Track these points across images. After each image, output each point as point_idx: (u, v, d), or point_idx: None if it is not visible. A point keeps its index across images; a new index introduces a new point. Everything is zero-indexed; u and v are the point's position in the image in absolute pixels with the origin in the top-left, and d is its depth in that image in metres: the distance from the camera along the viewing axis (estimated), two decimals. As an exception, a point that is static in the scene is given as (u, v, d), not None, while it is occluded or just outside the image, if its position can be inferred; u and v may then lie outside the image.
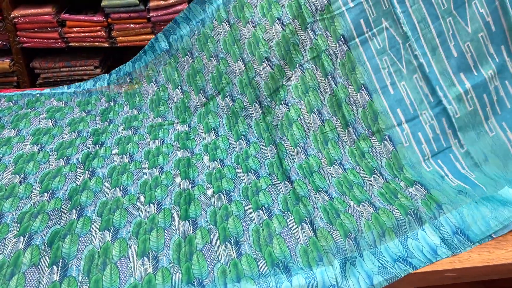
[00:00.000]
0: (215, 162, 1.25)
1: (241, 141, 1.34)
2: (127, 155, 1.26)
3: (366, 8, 1.29)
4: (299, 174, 1.18)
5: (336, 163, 1.22)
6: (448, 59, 1.26)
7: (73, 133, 1.35)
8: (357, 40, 1.30)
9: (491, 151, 1.19)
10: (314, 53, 1.31)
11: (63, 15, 2.20)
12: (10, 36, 2.23)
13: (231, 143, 1.34)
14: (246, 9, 1.39)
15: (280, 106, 1.33)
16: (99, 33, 2.24)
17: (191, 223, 1.00)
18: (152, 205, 1.05)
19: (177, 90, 1.49)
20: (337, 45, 1.30)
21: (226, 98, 1.41)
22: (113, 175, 1.16)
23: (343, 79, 1.29)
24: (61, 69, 2.31)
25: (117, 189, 1.11)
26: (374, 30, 1.29)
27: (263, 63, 1.35)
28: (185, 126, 1.42)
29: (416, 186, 1.12)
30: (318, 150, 1.25)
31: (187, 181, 1.16)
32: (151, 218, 1.01)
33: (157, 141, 1.34)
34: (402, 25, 1.28)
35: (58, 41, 2.25)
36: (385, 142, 1.24)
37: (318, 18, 1.31)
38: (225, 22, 1.42)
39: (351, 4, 1.29)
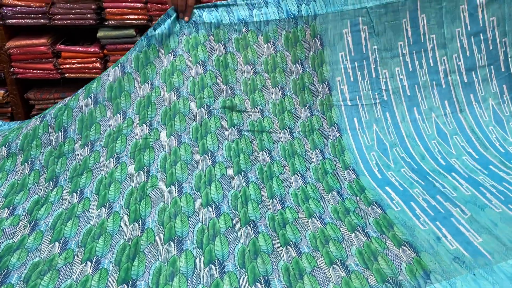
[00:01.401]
0: (173, 189, 1.20)
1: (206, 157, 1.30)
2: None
3: (361, 111, 1.41)
4: (268, 226, 1.09)
5: (316, 217, 1.14)
6: (439, 166, 1.33)
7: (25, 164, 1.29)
8: (349, 132, 1.40)
9: (501, 220, 1.07)
10: (307, 128, 1.36)
11: (58, 46, 2.16)
12: (5, 66, 2.19)
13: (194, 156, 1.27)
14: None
15: (264, 152, 1.30)
16: (94, 64, 2.18)
17: None
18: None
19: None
20: (331, 129, 1.39)
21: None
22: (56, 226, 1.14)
23: (332, 157, 1.33)
24: (56, 100, 2.25)
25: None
26: (365, 130, 1.40)
27: (255, 108, 1.35)
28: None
29: (404, 247, 0.99)
30: (297, 204, 1.19)
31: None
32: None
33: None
34: (391, 134, 1.40)
35: (53, 72, 2.20)
36: (373, 206, 1.19)
37: (317, 102, 1.40)
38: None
39: (349, 103, 1.41)
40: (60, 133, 1.26)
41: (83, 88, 1.32)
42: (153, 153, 1.24)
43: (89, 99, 1.29)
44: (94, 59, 2.18)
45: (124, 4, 2.08)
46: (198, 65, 1.34)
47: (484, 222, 1.07)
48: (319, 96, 1.40)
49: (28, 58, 2.17)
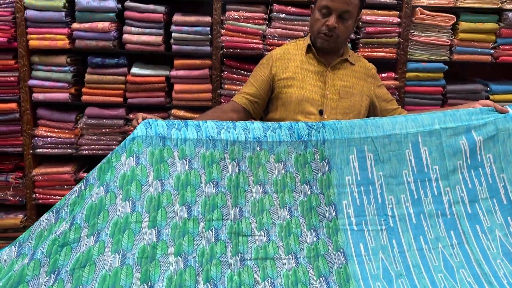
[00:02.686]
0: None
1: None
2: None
3: (367, 236, 1.40)
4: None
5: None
6: None
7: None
8: (355, 258, 1.37)
9: None
10: (312, 253, 1.35)
11: (81, 174, 2.26)
12: (27, 192, 2.28)
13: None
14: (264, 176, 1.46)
15: (266, 283, 1.29)
16: (113, 191, 2.25)
17: None
18: None
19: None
20: (337, 254, 1.37)
21: None
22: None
23: (336, 285, 1.31)
24: (71, 226, 2.28)
25: None
26: (371, 257, 1.38)
27: (261, 231, 1.36)
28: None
29: None
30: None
31: None
32: None
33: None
34: (397, 263, 1.38)
35: (73, 198, 2.26)
36: None
37: (324, 224, 1.40)
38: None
39: (355, 227, 1.41)
40: (68, 222, 1.22)
41: (96, 177, 1.28)
42: (159, 268, 1.22)
43: (101, 187, 1.27)
44: (114, 186, 2.25)
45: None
46: (212, 184, 1.38)
47: None
48: (325, 219, 1.41)
49: (51, 185, 2.27)
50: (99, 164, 1.29)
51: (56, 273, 1.15)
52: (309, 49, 1.66)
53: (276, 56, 1.68)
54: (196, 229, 1.31)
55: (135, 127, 1.36)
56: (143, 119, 1.37)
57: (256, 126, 1.47)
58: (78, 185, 1.27)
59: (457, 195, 1.47)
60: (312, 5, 1.64)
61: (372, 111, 1.72)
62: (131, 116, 2.23)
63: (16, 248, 1.19)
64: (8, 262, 1.17)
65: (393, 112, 1.72)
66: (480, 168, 1.51)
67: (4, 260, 1.16)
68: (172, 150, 1.37)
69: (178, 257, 1.25)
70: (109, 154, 1.31)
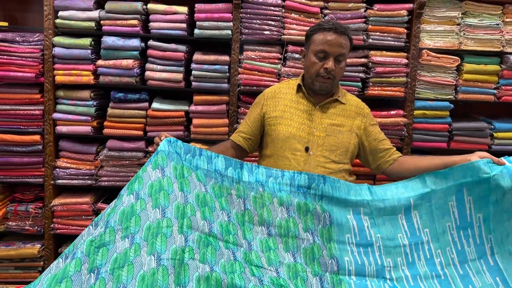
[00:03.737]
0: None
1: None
2: None
3: None
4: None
5: None
6: None
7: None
8: None
9: None
10: None
11: (99, 205, 2.31)
12: (46, 222, 2.32)
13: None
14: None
15: None
16: (130, 222, 2.30)
17: None
18: None
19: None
20: None
21: None
22: None
23: None
24: (88, 256, 2.31)
25: None
26: None
27: (271, 266, 1.39)
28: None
29: None
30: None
31: None
32: None
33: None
34: None
35: (90, 229, 2.31)
36: None
37: (327, 275, 1.43)
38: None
39: (357, 282, 1.43)
40: (103, 226, 1.29)
41: (126, 188, 1.35)
42: (188, 271, 1.26)
43: (131, 195, 1.33)
44: (131, 217, 2.30)
45: (165, 169, 2.29)
46: (224, 212, 1.44)
47: None
48: (328, 271, 1.44)
49: (70, 215, 2.32)
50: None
51: (96, 272, 1.20)
52: (299, 88, 1.73)
53: (267, 95, 1.77)
54: (218, 245, 1.35)
55: (157, 144, 1.45)
56: (165, 137, 1.46)
57: (260, 171, 1.54)
58: (113, 201, 1.36)
59: (448, 257, 1.50)
60: (303, 48, 1.73)
61: (362, 150, 1.75)
62: (150, 148, 2.31)
63: (63, 258, 1.25)
64: (54, 269, 1.23)
65: (385, 152, 1.72)
66: (469, 229, 1.52)
67: (53, 270, 1.22)
68: (190, 170, 1.45)
69: (204, 264, 1.29)
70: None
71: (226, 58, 2.30)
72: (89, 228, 1.29)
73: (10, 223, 2.34)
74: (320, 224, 1.49)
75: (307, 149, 1.66)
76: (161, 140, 1.44)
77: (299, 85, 1.73)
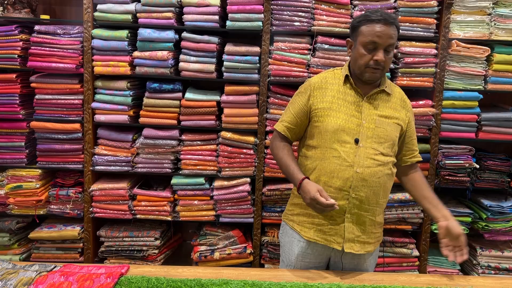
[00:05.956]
0: None
1: None
2: None
3: None
4: None
5: None
6: None
7: None
8: None
9: None
10: None
11: (135, 190, 2.43)
12: (85, 206, 2.45)
13: None
14: None
15: None
16: (164, 207, 2.42)
17: None
18: None
19: None
20: None
21: None
22: None
23: None
24: (124, 239, 2.44)
25: None
26: None
27: None
28: None
29: None
30: None
31: None
32: None
33: None
34: None
35: (127, 213, 2.43)
36: None
37: None
38: None
39: None
40: None
41: None
42: None
43: None
44: (165, 202, 2.42)
45: (198, 156, 2.38)
46: None
47: None
48: None
49: (107, 200, 2.44)
50: None
51: None
52: (346, 79, 1.72)
53: (314, 85, 1.74)
54: None
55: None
56: None
57: None
58: None
59: None
60: (350, 39, 1.72)
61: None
62: (183, 137, 2.41)
63: None
64: None
65: (410, 152, 1.77)
66: None
67: None
68: None
69: None
70: None
71: (256, 49, 2.36)
72: None
73: (52, 206, 2.48)
74: None
75: (357, 141, 1.65)
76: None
77: (346, 76, 1.72)
